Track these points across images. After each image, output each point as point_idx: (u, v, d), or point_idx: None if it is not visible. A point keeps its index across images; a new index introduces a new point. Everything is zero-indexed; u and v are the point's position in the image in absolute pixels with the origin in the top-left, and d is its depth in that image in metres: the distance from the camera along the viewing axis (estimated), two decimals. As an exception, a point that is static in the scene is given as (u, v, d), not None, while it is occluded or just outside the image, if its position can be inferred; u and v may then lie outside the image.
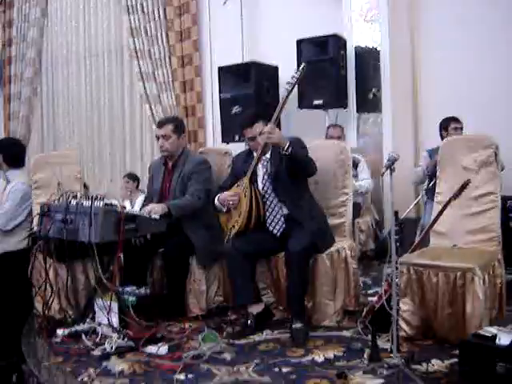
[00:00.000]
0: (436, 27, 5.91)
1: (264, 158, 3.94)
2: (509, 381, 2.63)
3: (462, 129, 5.25)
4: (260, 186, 3.93)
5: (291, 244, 3.65)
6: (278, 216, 3.87)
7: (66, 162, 4.67)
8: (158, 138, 4.34)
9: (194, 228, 4.16)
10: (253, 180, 3.92)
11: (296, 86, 3.81)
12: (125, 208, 3.60)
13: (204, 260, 4.15)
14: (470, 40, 5.69)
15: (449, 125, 5.31)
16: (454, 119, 5.30)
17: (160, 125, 4.38)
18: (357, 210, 5.58)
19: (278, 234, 3.86)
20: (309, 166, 3.81)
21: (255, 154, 3.92)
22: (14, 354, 3.70)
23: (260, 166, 3.95)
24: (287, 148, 3.57)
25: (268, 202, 3.90)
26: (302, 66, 3.73)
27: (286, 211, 3.88)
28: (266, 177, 3.92)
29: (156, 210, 3.93)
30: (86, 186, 7.14)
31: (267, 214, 3.89)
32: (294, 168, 3.73)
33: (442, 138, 5.23)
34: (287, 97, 3.76)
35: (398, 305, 3.24)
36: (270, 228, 3.88)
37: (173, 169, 4.37)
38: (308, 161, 3.79)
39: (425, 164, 5.37)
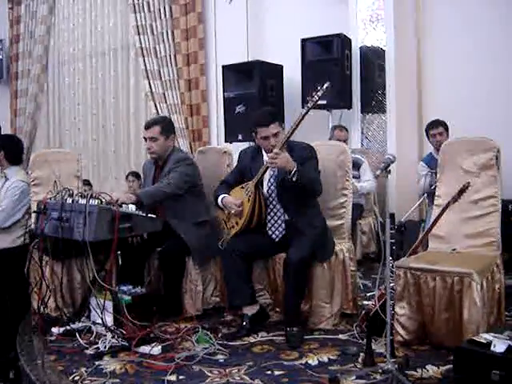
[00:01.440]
0: (442, 28, 5.86)
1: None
2: (503, 388, 2.59)
3: (446, 132, 5.22)
4: (265, 188, 3.87)
5: (291, 252, 3.60)
6: (278, 221, 3.82)
7: (65, 160, 4.66)
8: (146, 140, 4.28)
9: (183, 228, 4.12)
10: (258, 182, 3.85)
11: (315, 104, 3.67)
12: (120, 206, 3.56)
13: (199, 259, 4.12)
14: (475, 41, 5.64)
15: (428, 131, 5.31)
16: (432, 126, 5.28)
17: (147, 127, 4.30)
18: (359, 212, 5.55)
19: (277, 239, 3.82)
20: (312, 191, 3.75)
21: (265, 155, 3.84)
22: (11, 350, 3.69)
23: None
24: (292, 175, 3.52)
25: (271, 206, 3.84)
26: (326, 84, 3.62)
27: (287, 217, 3.83)
28: (271, 180, 3.86)
29: (121, 199, 3.71)
30: (89, 183, 7.16)
31: (268, 217, 3.84)
32: (298, 189, 3.65)
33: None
34: (306, 113, 3.62)
35: (393, 309, 3.20)
36: (270, 232, 3.84)
37: (162, 168, 4.32)
38: (312, 187, 3.71)
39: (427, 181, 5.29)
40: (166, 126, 4.33)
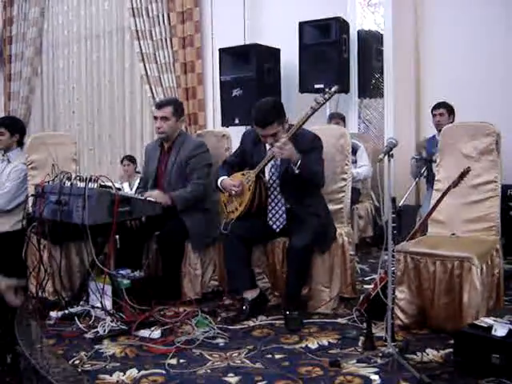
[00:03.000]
0: (440, 12, 5.84)
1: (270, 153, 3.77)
2: (503, 372, 2.60)
3: (448, 114, 5.29)
4: (267, 176, 3.85)
5: (295, 240, 3.60)
6: (279, 211, 3.80)
7: (62, 143, 4.64)
8: (156, 119, 4.27)
9: (190, 212, 4.11)
10: (260, 171, 3.81)
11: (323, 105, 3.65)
12: (119, 190, 3.55)
13: (198, 244, 4.11)
14: (474, 26, 5.62)
15: (432, 112, 5.39)
16: (436, 106, 5.36)
17: (159, 106, 4.29)
18: (356, 196, 5.54)
19: (278, 230, 3.81)
20: (315, 182, 3.74)
21: (267, 147, 3.80)
22: (8, 334, 3.67)
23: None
24: (296, 167, 3.50)
25: (272, 196, 3.82)
26: (334, 88, 3.59)
27: (288, 205, 3.81)
28: (273, 170, 3.83)
29: (159, 199, 3.91)
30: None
31: (269, 207, 3.82)
32: (300, 180, 3.64)
33: None
34: (311, 115, 3.59)
35: (393, 293, 3.20)
36: (270, 223, 3.81)
37: (169, 151, 4.31)
38: (315, 179, 3.70)
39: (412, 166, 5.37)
40: (178, 107, 4.34)
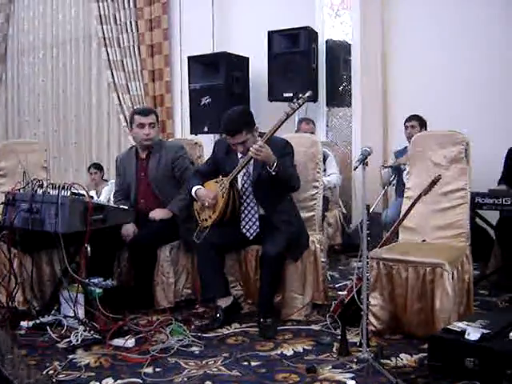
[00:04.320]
0: (408, 22, 5.94)
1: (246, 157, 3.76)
2: (477, 375, 2.65)
3: (420, 127, 5.34)
4: (239, 183, 3.85)
5: (267, 247, 3.62)
6: (253, 219, 3.81)
7: (32, 150, 4.58)
8: (143, 126, 4.22)
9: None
10: (234, 179, 3.80)
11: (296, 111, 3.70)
12: (92, 198, 3.52)
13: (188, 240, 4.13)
14: (442, 36, 5.74)
15: (404, 123, 5.45)
16: (408, 118, 5.42)
17: (146, 113, 4.29)
18: (325, 204, 5.57)
19: (251, 237, 3.82)
20: (291, 185, 3.75)
21: (239, 156, 3.81)
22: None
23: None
24: (273, 169, 3.52)
25: (245, 203, 3.82)
26: (307, 93, 3.62)
27: (262, 212, 3.82)
28: (245, 177, 3.84)
29: (159, 215, 4.14)
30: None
31: (242, 215, 3.82)
32: (276, 184, 3.66)
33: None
34: (285, 120, 3.61)
35: (368, 299, 3.24)
36: (244, 231, 3.81)
37: (147, 158, 4.31)
38: (291, 181, 3.72)
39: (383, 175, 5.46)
40: (157, 115, 4.40)
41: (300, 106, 3.61)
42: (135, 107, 7.25)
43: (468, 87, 5.61)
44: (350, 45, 6.14)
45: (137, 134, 4.28)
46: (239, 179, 3.85)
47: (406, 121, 5.42)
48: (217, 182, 3.84)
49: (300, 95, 3.62)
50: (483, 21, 5.54)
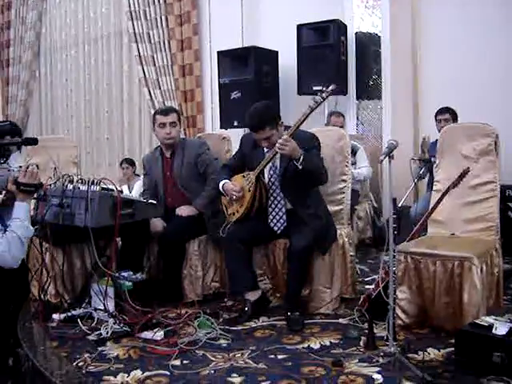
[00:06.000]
0: (438, 14, 5.87)
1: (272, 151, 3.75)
2: (505, 370, 2.63)
3: (453, 120, 5.24)
4: (266, 177, 3.86)
5: (295, 241, 3.62)
6: (280, 212, 3.81)
7: (63, 146, 4.65)
8: (164, 126, 4.26)
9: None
10: (260, 172, 3.81)
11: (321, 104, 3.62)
12: (121, 192, 3.56)
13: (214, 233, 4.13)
14: (472, 28, 5.66)
15: (436, 117, 5.35)
16: (441, 111, 5.32)
17: (167, 112, 4.32)
18: (355, 197, 5.56)
19: (279, 231, 3.83)
20: (318, 179, 3.73)
21: (265, 150, 3.81)
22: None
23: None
24: (299, 163, 3.49)
25: (272, 197, 3.83)
26: (331, 86, 3.56)
27: (289, 206, 3.82)
28: (272, 171, 3.84)
29: (185, 212, 4.21)
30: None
31: (270, 209, 3.83)
32: (303, 178, 3.64)
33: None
34: (309, 114, 3.57)
35: (394, 293, 3.22)
36: (271, 225, 3.82)
37: (172, 157, 4.36)
38: (318, 174, 3.69)
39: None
40: (178, 114, 4.44)
41: (324, 99, 3.58)
42: (166, 102, 7.31)
43: (503, 79, 5.53)
44: (379, 37, 6.09)
45: (159, 134, 4.33)
46: (266, 173, 3.86)
47: (438, 114, 5.32)
48: (244, 176, 3.86)
49: (324, 88, 3.60)
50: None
